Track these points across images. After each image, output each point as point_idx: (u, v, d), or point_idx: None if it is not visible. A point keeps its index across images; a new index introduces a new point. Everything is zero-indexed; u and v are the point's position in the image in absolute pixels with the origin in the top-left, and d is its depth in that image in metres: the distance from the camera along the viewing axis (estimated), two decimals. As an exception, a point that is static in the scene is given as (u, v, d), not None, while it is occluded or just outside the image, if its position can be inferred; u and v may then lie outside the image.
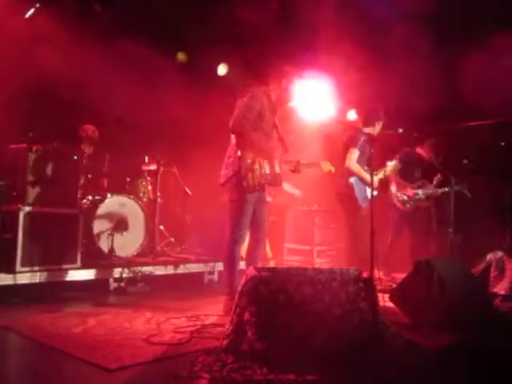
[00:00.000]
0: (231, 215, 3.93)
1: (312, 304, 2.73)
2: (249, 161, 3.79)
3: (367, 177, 5.20)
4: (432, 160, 5.97)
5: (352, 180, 5.15)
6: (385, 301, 3.59)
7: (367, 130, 5.10)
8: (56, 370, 2.65)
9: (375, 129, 5.14)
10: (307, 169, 4.36)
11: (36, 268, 4.32)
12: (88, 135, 5.94)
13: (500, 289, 4.51)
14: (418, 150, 6.10)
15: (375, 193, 5.27)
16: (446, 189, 5.80)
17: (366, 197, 5.23)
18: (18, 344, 3.14)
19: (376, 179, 5.18)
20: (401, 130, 5.19)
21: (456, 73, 5.90)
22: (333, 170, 4.64)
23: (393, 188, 5.93)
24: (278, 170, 4.02)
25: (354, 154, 5.06)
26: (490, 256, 4.73)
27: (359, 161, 5.10)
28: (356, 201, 5.09)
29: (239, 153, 3.77)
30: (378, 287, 3.13)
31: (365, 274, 2.97)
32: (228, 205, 3.95)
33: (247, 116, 3.80)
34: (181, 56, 7.29)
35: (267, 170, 3.91)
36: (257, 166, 3.82)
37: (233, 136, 3.89)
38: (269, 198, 6.27)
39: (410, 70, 6.11)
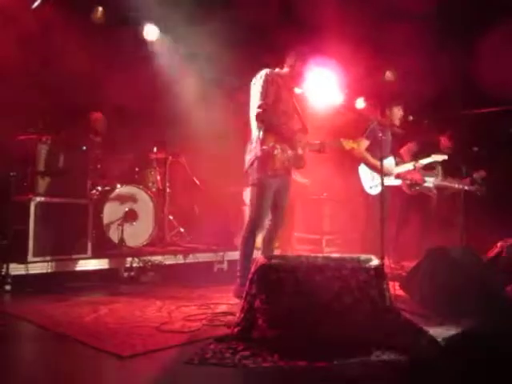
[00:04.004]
0: (252, 200, 3.92)
1: (322, 292, 2.73)
2: (271, 144, 3.76)
3: (376, 163, 5.20)
4: (451, 150, 5.92)
5: (359, 168, 5.16)
6: (395, 289, 3.58)
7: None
8: (69, 358, 2.68)
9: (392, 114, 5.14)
10: (330, 147, 4.30)
11: (48, 258, 4.36)
12: (97, 124, 5.94)
13: None
14: (441, 138, 6.04)
15: (398, 181, 5.26)
16: (466, 187, 5.71)
17: (376, 185, 5.21)
18: (30, 332, 3.17)
19: (406, 168, 5.22)
20: (411, 118, 5.16)
21: (466, 59, 5.83)
22: (355, 147, 4.59)
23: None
24: (300, 151, 3.97)
25: (362, 143, 5.09)
26: (501, 243, 4.69)
27: (371, 150, 5.09)
28: (363, 189, 5.12)
29: (260, 135, 3.75)
30: (389, 275, 3.12)
31: (375, 262, 2.96)
32: (250, 190, 3.95)
33: (266, 100, 3.77)
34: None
35: (289, 152, 3.87)
36: (278, 150, 3.78)
37: (251, 121, 3.85)
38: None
39: (419, 57, 6.04)
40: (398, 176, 5.58)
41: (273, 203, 3.95)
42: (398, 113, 5.21)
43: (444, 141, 6.06)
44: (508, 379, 2.41)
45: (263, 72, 3.87)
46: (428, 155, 5.67)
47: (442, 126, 6.06)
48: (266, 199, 3.86)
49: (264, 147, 3.74)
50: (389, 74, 6.46)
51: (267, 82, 3.81)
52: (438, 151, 5.87)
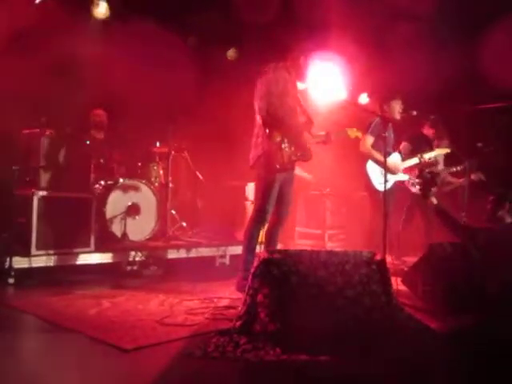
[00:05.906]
0: (257, 194, 3.94)
1: (325, 286, 2.74)
2: (278, 139, 3.75)
3: (383, 160, 5.17)
4: (436, 140, 5.91)
5: (367, 165, 5.13)
6: (397, 284, 3.58)
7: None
8: (72, 351, 2.70)
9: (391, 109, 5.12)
10: (336, 137, 4.29)
11: (51, 251, 4.37)
12: (98, 120, 5.93)
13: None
14: (424, 130, 6.02)
15: (406, 176, 5.25)
16: (459, 168, 5.78)
17: (387, 180, 5.20)
18: (34, 325, 3.18)
19: (412, 162, 5.30)
20: (415, 113, 5.12)
21: (472, 53, 5.78)
22: (360, 135, 4.57)
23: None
24: (306, 144, 3.97)
25: (367, 140, 5.04)
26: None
27: (376, 146, 5.05)
28: (372, 185, 5.08)
29: (267, 131, 3.73)
30: (391, 270, 3.12)
31: (378, 257, 2.96)
32: (256, 184, 3.96)
33: (273, 92, 3.76)
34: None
35: (296, 145, 3.86)
36: (286, 144, 3.78)
37: (258, 115, 3.83)
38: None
39: (424, 52, 6.01)
40: (405, 171, 5.57)
41: (278, 197, 3.95)
42: (396, 107, 5.17)
43: (426, 131, 6.02)
44: (509, 375, 2.41)
45: (271, 66, 3.86)
46: (431, 149, 5.65)
47: (447, 121, 6.03)
48: (272, 193, 3.86)
49: (272, 142, 3.73)
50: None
51: (275, 76, 3.80)
52: (429, 143, 5.85)
